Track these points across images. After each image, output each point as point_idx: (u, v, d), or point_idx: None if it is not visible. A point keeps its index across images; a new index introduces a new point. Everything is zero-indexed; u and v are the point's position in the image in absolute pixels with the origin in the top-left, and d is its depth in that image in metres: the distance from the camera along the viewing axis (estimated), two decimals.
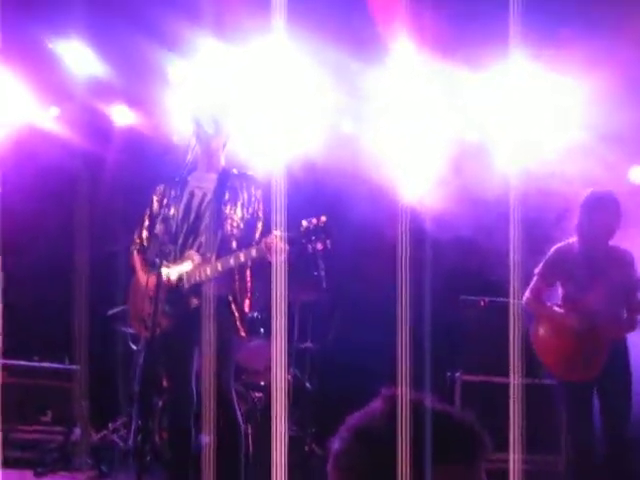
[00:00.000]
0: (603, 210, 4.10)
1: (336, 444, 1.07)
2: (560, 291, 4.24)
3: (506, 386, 3.87)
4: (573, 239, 4.20)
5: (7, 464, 4.84)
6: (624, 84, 4.83)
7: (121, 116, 6.01)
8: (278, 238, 3.57)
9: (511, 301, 4.07)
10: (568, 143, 5.24)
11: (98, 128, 5.96)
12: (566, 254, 4.17)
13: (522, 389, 4.77)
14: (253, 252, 3.66)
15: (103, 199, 5.89)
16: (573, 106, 5.22)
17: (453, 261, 5.27)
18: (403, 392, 1.10)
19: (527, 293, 4.23)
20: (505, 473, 3.38)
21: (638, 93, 4.93)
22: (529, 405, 4.69)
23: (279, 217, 3.61)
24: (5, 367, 5.19)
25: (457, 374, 5.17)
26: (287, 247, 3.58)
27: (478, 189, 5.12)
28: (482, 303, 5.14)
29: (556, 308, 4.21)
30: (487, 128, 5.46)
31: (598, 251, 4.14)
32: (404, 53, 4.88)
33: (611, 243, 4.19)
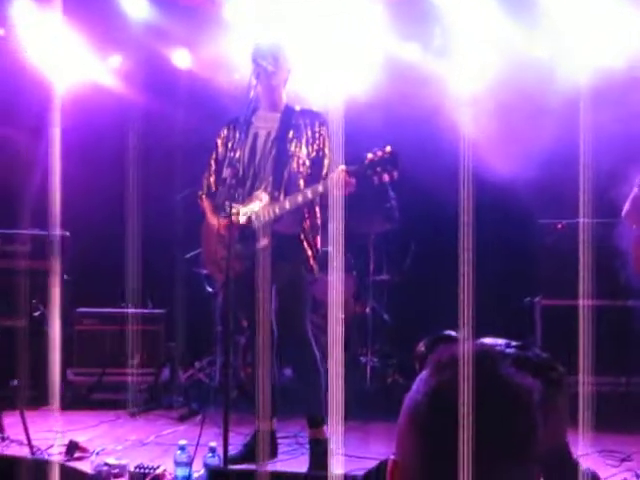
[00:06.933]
0: None
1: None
2: None
3: (587, 309, 3.75)
4: None
5: (101, 406, 5.07)
6: None
7: (181, 60, 5.98)
8: (343, 172, 3.53)
9: (580, 221, 3.90)
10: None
11: (160, 73, 5.96)
12: None
13: (605, 310, 4.65)
14: (320, 188, 3.63)
15: (167, 144, 5.91)
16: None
17: (527, 186, 5.11)
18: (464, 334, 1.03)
19: (627, 205, 4.02)
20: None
21: None
22: (617, 326, 4.58)
23: (340, 151, 3.58)
24: (94, 315, 5.41)
25: (536, 299, 5.07)
26: (353, 180, 3.54)
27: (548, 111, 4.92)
28: (559, 226, 4.98)
29: None
30: (557, 46, 5.19)
31: None
32: None
33: None
